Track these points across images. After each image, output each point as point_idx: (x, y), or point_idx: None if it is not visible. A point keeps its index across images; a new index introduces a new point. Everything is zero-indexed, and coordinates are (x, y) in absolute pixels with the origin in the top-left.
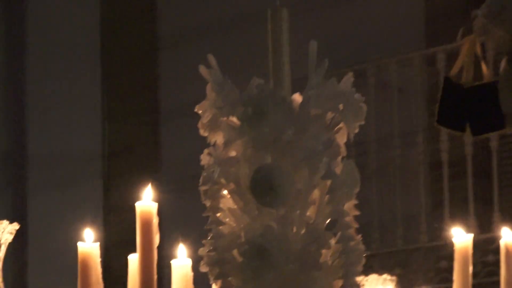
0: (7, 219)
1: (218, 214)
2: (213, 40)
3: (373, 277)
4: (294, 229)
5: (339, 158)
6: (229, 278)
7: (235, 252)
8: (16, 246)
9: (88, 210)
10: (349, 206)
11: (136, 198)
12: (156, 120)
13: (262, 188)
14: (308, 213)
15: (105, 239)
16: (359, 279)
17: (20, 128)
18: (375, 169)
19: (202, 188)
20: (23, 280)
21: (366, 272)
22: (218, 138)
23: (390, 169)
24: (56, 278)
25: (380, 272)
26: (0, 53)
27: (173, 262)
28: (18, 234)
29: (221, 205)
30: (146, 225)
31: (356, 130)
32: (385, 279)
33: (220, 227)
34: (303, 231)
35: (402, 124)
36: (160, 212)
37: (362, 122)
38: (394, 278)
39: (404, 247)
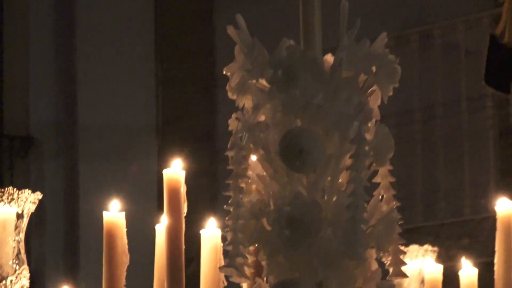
0: (58, 190)
1: (246, 181)
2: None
3: (413, 247)
4: (325, 197)
5: (372, 122)
6: (258, 247)
7: (264, 220)
8: (69, 217)
9: (142, 181)
10: (383, 172)
11: (190, 167)
12: (212, 86)
13: (292, 153)
14: (340, 180)
15: (159, 208)
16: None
17: (71, 97)
18: (442, 135)
19: (230, 154)
20: (75, 250)
21: (434, 241)
22: (247, 102)
23: (458, 135)
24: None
25: (446, 242)
26: (50, 21)
27: (202, 232)
28: (69, 205)
29: (249, 172)
30: (174, 193)
31: (390, 93)
32: (426, 250)
33: (248, 195)
34: (334, 199)
35: (470, 88)
36: (212, 181)
37: (396, 85)
38: (435, 249)
39: (472, 216)
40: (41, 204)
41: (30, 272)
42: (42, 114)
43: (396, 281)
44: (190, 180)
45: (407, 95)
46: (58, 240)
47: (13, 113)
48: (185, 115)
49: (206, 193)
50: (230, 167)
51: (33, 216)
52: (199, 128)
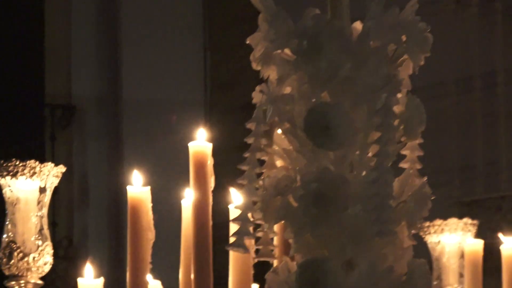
0: (103, 168)
1: (271, 156)
2: None
3: (452, 221)
4: (354, 172)
5: (403, 93)
6: (284, 224)
7: (290, 197)
8: (112, 190)
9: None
10: (412, 145)
11: (237, 136)
12: None
13: (317, 130)
14: (369, 154)
15: None
16: (438, 223)
17: (114, 67)
18: (503, 103)
19: (251, 127)
20: (118, 224)
21: (494, 214)
22: (271, 74)
23: None
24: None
25: (508, 215)
26: None
27: (230, 207)
28: (113, 178)
29: (274, 147)
30: (200, 167)
31: (422, 62)
32: (465, 223)
33: (274, 170)
34: (363, 174)
35: None
36: None
37: (428, 54)
38: (475, 222)
39: None
40: (83, 177)
41: (72, 246)
42: (84, 83)
43: (435, 255)
44: (235, 152)
45: (466, 62)
46: (101, 215)
47: (55, 82)
48: (234, 83)
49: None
50: (248, 140)
51: (75, 190)
52: (249, 94)
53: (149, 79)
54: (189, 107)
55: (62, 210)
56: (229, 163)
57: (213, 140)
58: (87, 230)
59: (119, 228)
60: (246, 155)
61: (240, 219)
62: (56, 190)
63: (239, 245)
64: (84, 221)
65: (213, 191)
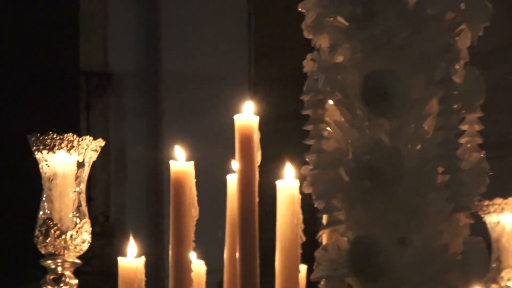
0: (141, 141)
1: (322, 128)
2: None
3: None
4: (409, 145)
5: (461, 64)
6: (334, 199)
7: (341, 170)
8: (150, 165)
9: (228, 130)
10: (471, 119)
11: (284, 106)
12: None
13: (375, 96)
14: (425, 127)
15: None
16: (498, 202)
17: (153, 35)
18: None
19: (305, 98)
20: (157, 200)
21: None
22: (323, 42)
23: None
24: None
25: None
26: None
27: (278, 183)
28: (151, 152)
29: (326, 118)
30: (246, 141)
31: (481, 33)
32: None
33: (324, 142)
34: (418, 147)
35: None
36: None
37: (487, 23)
38: None
39: None
40: (121, 150)
41: (109, 223)
42: (121, 52)
43: (494, 235)
44: (279, 123)
45: None
46: (139, 190)
47: (90, 48)
48: (279, 51)
49: (295, 136)
50: (305, 112)
51: (112, 164)
52: (294, 61)
53: (190, 50)
54: (232, 79)
55: (98, 185)
56: (277, 134)
57: (259, 112)
58: (124, 206)
59: (158, 205)
60: (309, 127)
61: (320, 197)
62: (92, 164)
63: (336, 221)
64: (122, 197)
65: (259, 166)
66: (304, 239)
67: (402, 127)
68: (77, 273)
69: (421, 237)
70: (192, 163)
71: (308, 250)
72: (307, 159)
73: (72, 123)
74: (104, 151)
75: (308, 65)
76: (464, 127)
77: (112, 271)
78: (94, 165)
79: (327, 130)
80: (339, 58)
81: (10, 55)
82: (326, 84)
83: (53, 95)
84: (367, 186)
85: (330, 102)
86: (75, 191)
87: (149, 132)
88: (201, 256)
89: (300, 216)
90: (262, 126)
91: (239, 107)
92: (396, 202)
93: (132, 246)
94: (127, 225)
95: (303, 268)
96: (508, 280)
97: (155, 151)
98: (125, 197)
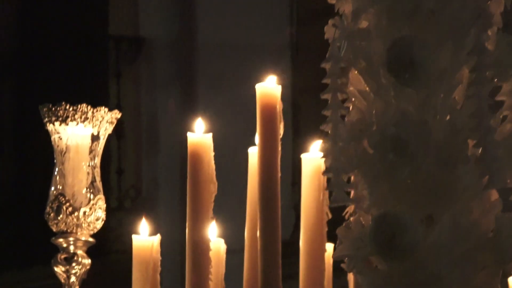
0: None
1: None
2: None
3: None
4: (437, 116)
5: (494, 30)
6: (357, 172)
7: (365, 142)
8: (183, 139)
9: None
10: (508, 89)
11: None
12: None
13: (402, 64)
14: (454, 97)
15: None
16: None
17: (189, 8)
18: None
19: (326, 66)
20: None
21: None
22: (346, 7)
23: None
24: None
25: None
26: None
27: (303, 156)
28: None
29: (350, 88)
30: (268, 112)
31: None
32: None
33: (348, 113)
34: (447, 118)
35: None
36: None
37: None
38: None
39: None
40: (152, 120)
41: (142, 199)
42: (154, 13)
43: None
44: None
45: None
46: (172, 163)
47: (120, 10)
48: (321, 13)
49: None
50: (325, 80)
51: (143, 134)
52: None
53: (226, 16)
54: (271, 48)
55: (129, 156)
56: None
57: (298, 83)
58: (156, 180)
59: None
60: (326, 96)
61: (331, 170)
62: (122, 134)
63: (343, 199)
64: (153, 170)
65: (282, 139)
66: (330, 216)
67: (430, 98)
68: (108, 251)
69: (450, 214)
70: (210, 135)
71: (335, 229)
72: (329, 131)
73: (101, 92)
74: (135, 120)
75: (329, 31)
76: (501, 97)
77: None
78: (124, 136)
79: (351, 100)
80: (363, 24)
81: (34, 18)
82: (349, 52)
83: (80, 60)
84: (392, 159)
85: (354, 71)
86: (89, 166)
87: (182, 101)
88: (220, 234)
89: (326, 192)
90: (300, 96)
91: (277, 78)
92: (423, 177)
93: (144, 224)
94: (159, 200)
95: (329, 247)
96: None
97: (188, 123)
98: (157, 170)
